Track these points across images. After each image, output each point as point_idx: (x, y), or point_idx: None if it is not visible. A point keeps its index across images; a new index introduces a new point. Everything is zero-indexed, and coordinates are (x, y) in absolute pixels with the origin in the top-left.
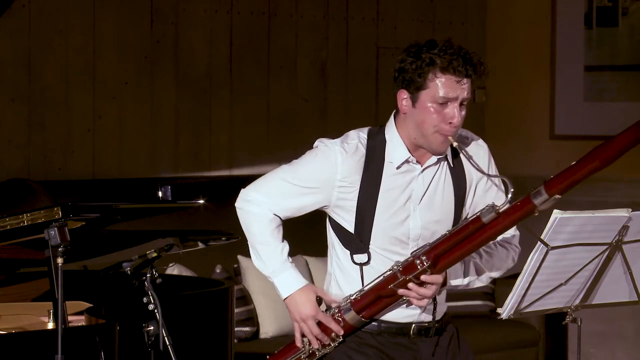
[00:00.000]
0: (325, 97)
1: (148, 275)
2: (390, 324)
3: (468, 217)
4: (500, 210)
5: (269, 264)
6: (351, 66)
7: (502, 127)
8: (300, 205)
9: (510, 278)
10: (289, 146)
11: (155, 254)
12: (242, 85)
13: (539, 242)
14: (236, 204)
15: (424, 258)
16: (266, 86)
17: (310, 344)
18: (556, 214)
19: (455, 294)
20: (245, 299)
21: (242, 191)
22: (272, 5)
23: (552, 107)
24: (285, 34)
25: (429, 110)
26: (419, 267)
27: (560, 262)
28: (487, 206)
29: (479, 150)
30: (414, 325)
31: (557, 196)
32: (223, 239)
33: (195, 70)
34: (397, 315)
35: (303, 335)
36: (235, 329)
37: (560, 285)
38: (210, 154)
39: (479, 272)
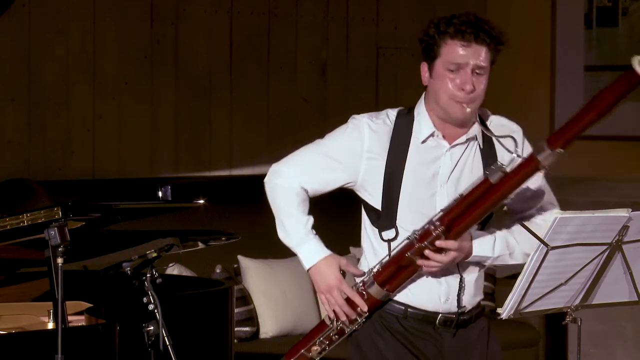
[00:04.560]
0: (325, 97)
1: (148, 275)
2: (417, 311)
3: (512, 204)
4: (507, 169)
5: (293, 235)
6: (351, 66)
7: None
8: (327, 178)
9: (510, 278)
10: (289, 146)
11: (155, 254)
12: (242, 85)
13: (539, 242)
14: (265, 180)
15: (437, 223)
16: (266, 86)
17: (337, 320)
18: (556, 214)
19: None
20: (245, 299)
21: (273, 166)
22: (272, 5)
23: (552, 107)
24: (285, 34)
25: (443, 78)
26: (433, 232)
27: (560, 262)
28: (493, 165)
29: (511, 134)
30: (440, 315)
31: (560, 150)
32: (223, 239)
33: (195, 70)
34: (424, 303)
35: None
36: (235, 329)
37: (560, 285)
38: (210, 154)
39: (510, 247)
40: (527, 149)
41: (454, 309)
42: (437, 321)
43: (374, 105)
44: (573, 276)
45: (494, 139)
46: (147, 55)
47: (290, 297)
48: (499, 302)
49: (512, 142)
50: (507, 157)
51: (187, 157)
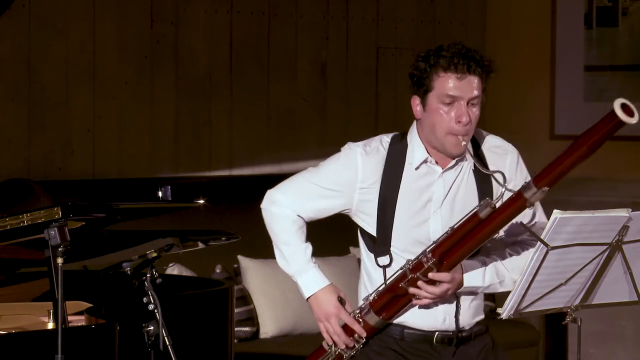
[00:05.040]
0: (325, 97)
1: (148, 275)
2: (414, 331)
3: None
4: (496, 205)
5: (293, 263)
6: (351, 66)
7: (502, 127)
8: (322, 207)
9: None
10: (289, 146)
11: (155, 254)
12: (242, 85)
13: (539, 242)
14: (261, 205)
15: (429, 255)
16: (266, 86)
17: (336, 346)
18: (556, 214)
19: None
20: (245, 299)
21: (268, 192)
22: (272, 5)
23: (552, 107)
24: (285, 34)
25: (438, 112)
26: (425, 264)
27: (560, 262)
28: (483, 201)
29: (505, 155)
30: (437, 333)
31: (545, 188)
32: (223, 239)
33: (195, 70)
34: (421, 322)
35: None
36: (235, 329)
37: (560, 285)
38: (210, 154)
39: (500, 275)
40: (521, 171)
41: (452, 327)
42: (435, 339)
43: (374, 105)
44: (573, 276)
45: (486, 157)
46: (147, 55)
47: (290, 297)
48: (499, 302)
49: (506, 167)
50: (500, 178)
51: (187, 157)
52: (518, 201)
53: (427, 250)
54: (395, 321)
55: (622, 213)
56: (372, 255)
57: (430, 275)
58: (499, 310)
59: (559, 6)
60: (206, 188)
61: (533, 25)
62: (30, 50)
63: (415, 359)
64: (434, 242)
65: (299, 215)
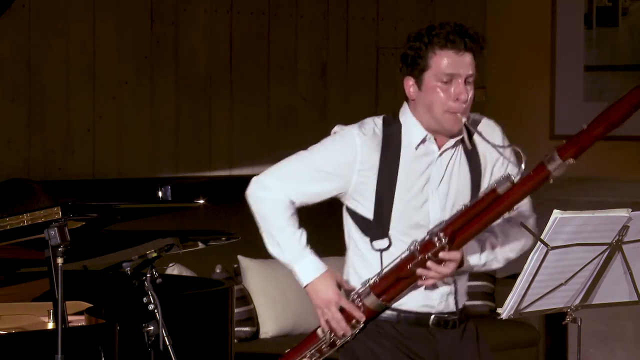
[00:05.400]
0: (325, 97)
1: (148, 275)
2: (409, 314)
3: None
4: (515, 180)
5: (288, 251)
6: (351, 66)
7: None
8: (317, 190)
9: (510, 278)
10: (289, 146)
11: (155, 254)
12: (242, 85)
13: (539, 242)
14: (248, 192)
15: (441, 235)
16: (266, 86)
17: (331, 333)
18: (556, 214)
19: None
20: (245, 299)
21: (255, 179)
22: (272, 5)
23: (552, 107)
24: (285, 34)
25: (435, 90)
26: (436, 244)
27: (560, 262)
28: (501, 177)
29: (493, 131)
30: (433, 315)
31: (571, 161)
32: (223, 239)
33: (195, 70)
34: (416, 304)
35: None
36: (235, 329)
37: (560, 285)
38: (210, 154)
39: (495, 252)
40: (509, 143)
41: (447, 309)
42: (430, 322)
43: (374, 105)
44: (573, 276)
45: (476, 139)
46: (147, 55)
47: (290, 297)
48: (499, 302)
49: (495, 140)
50: (489, 156)
51: (187, 157)
52: (540, 174)
53: (437, 229)
54: (391, 306)
55: (622, 213)
56: (367, 239)
57: (442, 254)
58: (499, 310)
59: (559, 6)
60: (206, 188)
61: (533, 25)
62: (30, 50)
63: (411, 343)
64: (442, 222)
65: (291, 200)
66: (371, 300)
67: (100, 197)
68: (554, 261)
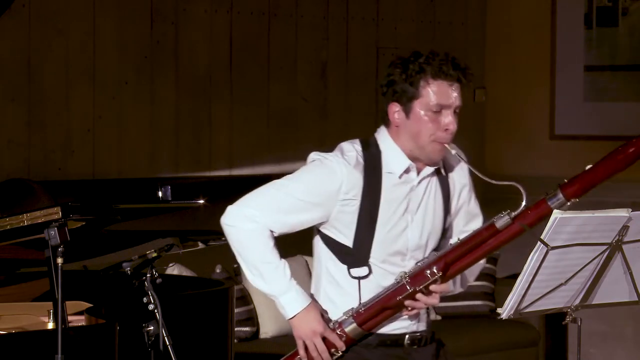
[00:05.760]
0: (325, 97)
1: (148, 275)
2: (385, 337)
3: (453, 226)
4: (514, 216)
5: (273, 284)
6: (351, 66)
7: (502, 127)
8: (300, 220)
9: (510, 278)
10: (289, 146)
11: (155, 254)
12: (242, 85)
13: (539, 242)
14: (225, 222)
15: (434, 268)
16: (266, 86)
17: None
18: (556, 214)
19: (455, 294)
20: (245, 299)
21: (232, 208)
22: (272, 5)
23: (552, 107)
24: (285, 34)
25: (424, 120)
26: (429, 277)
27: (560, 262)
28: (502, 213)
29: (462, 155)
30: (407, 335)
31: (575, 200)
32: (223, 239)
33: (195, 70)
34: (391, 327)
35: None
36: (235, 329)
37: (560, 285)
38: (210, 154)
39: (462, 279)
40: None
41: (419, 328)
42: (405, 342)
43: (374, 105)
44: (573, 276)
45: (447, 165)
46: (147, 55)
47: None
48: (499, 302)
49: (465, 166)
50: (457, 181)
51: (187, 157)
52: (543, 211)
53: (429, 262)
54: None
55: (622, 213)
56: (343, 267)
57: (433, 287)
58: (499, 310)
59: (559, 6)
60: (206, 188)
61: (533, 25)
62: (30, 50)
63: None
64: (433, 253)
65: (271, 231)
66: (352, 329)
67: (100, 197)
68: (554, 261)
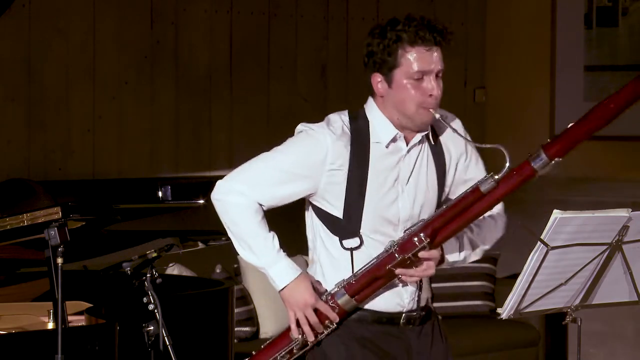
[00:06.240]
0: (325, 97)
1: (148, 275)
2: (381, 314)
3: (449, 195)
4: (499, 178)
5: (262, 256)
6: (351, 66)
7: (502, 127)
8: (288, 192)
9: (510, 278)
10: None
11: (155, 254)
12: (242, 85)
13: (539, 242)
14: (214, 196)
15: (422, 235)
16: (266, 86)
17: (304, 334)
18: (556, 214)
19: (455, 294)
20: (245, 299)
21: (220, 183)
22: (272, 5)
23: (552, 107)
24: (285, 34)
25: (406, 88)
26: (417, 244)
27: (560, 262)
28: (485, 176)
29: (457, 125)
30: (403, 314)
31: (558, 159)
32: (223, 239)
33: (195, 70)
34: (388, 304)
35: (297, 325)
36: (235, 329)
37: (560, 285)
38: (210, 154)
39: (473, 246)
40: (467, 134)
41: (415, 306)
42: (401, 321)
43: None
44: (573, 276)
45: (440, 135)
46: (147, 55)
47: None
48: (499, 302)
49: (461, 133)
50: (453, 150)
51: (187, 157)
52: (526, 172)
53: (417, 229)
54: (363, 307)
55: (622, 213)
56: (335, 239)
57: (421, 254)
58: (499, 310)
59: (559, 6)
60: (206, 188)
61: (533, 25)
62: (30, 50)
63: (383, 343)
64: (421, 221)
65: (259, 204)
66: (345, 301)
67: (100, 197)
68: (554, 261)
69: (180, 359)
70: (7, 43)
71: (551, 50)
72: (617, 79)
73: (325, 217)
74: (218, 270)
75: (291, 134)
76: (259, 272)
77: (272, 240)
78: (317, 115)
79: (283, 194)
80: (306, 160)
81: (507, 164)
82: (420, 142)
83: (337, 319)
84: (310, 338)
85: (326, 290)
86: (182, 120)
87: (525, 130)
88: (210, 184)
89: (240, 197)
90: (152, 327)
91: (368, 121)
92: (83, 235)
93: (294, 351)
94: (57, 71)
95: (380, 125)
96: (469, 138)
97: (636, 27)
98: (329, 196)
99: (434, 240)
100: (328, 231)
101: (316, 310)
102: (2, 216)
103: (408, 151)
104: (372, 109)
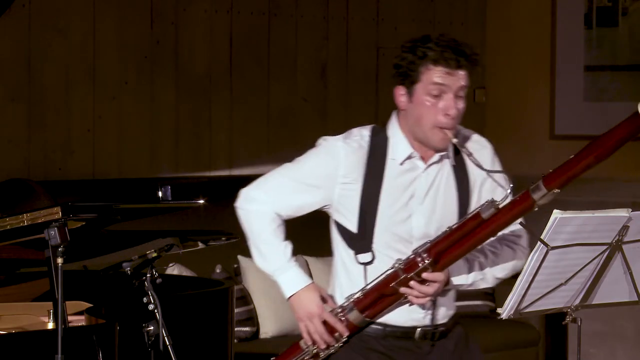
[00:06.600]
0: (325, 97)
1: (148, 275)
2: (395, 328)
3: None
4: (500, 206)
5: (272, 262)
6: (351, 66)
7: (502, 127)
8: (301, 203)
9: (510, 278)
10: (289, 146)
11: (155, 254)
12: (242, 85)
13: (539, 242)
14: (236, 204)
15: (424, 255)
16: (266, 86)
17: (314, 344)
18: (556, 214)
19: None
20: (245, 299)
21: (243, 191)
22: (272, 5)
23: (552, 107)
24: (285, 34)
25: (425, 104)
26: (419, 264)
27: (560, 262)
28: (486, 202)
29: (482, 150)
30: (418, 329)
31: (556, 190)
32: (223, 239)
33: (195, 70)
34: (402, 319)
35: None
36: (235, 329)
37: (560, 285)
38: (210, 154)
39: (484, 272)
40: (498, 165)
41: (432, 322)
42: (416, 335)
43: (374, 105)
44: (573, 276)
45: (464, 155)
46: (147, 55)
47: None
48: (499, 302)
49: (484, 159)
50: (478, 173)
51: (187, 157)
52: (525, 202)
53: (421, 249)
54: (377, 320)
55: (622, 213)
56: (351, 252)
57: (425, 275)
58: (499, 310)
59: (559, 6)
60: (206, 188)
61: (533, 25)
62: (30, 50)
63: (398, 356)
64: (427, 241)
65: (277, 213)
66: (355, 316)
67: (100, 197)
68: (554, 261)
69: (180, 359)
70: (7, 43)
71: (551, 50)
72: (617, 79)
73: (342, 231)
74: (218, 270)
75: (291, 133)
76: (259, 272)
77: (284, 249)
78: (317, 115)
79: (298, 204)
80: (319, 171)
81: (508, 191)
82: (440, 161)
83: (346, 333)
84: (322, 346)
85: (343, 303)
86: (182, 120)
87: (525, 130)
88: (210, 184)
89: (259, 205)
90: (152, 327)
91: (387, 137)
92: (83, 235)
93: None
94: (57, 71)
95: (397, 142)
96: (487, 162)
97: (636, 27)
98: (343, 209)
99: (438, 263)
100: (345, 245)
101: (326, 323)
102: (2, 216)
103: (425, 169)
104: (392, 124)
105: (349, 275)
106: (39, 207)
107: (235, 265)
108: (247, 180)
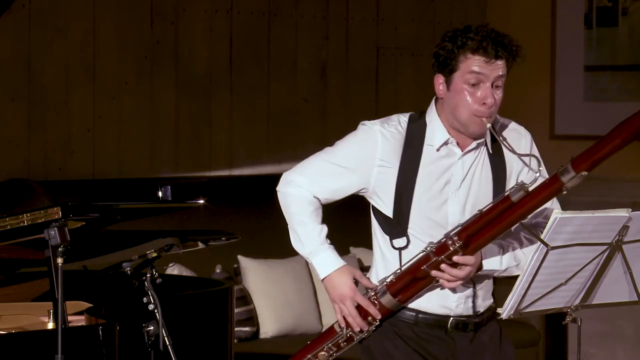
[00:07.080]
0: (325, 97)
1: (148, 275)
2: (428, 316)
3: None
4: (529, 189)
5: (307, 244)
6: (351, 66)
7: None
8: (338, 186)
9: (510, 278)
10: (289, 146)
11: (155, 254)
12: (242, 85)
13: (539, 242)
14: (278, 187)
15: (455, 238)
16: (266, 86)
17: (348, 328)
18: (556, 214)
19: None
20: (245, 299)
21: (284, 174)
22: (272, 5)
23: (552, 107)
24: (285, 34)
25: (463, 93)
26: (450, 247)
27: (560, 262)
28: (515, 185)
29: (520, 139)
30: (452, 318)
31: (584, 173)
32: (223, 239)
33: (195, 70)
34: (434, 306)
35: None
36: (235, 329)
37: (560, 285)
38: (210, 154)
39: (517, 259)
40: (535, 154)
41: (466, 312)
42: (449, 325)
43: (374, 105)
44: (573, 276)
45: (501, 143)
46: (147, 55)
47: (290, 297)
48: (499, 302)
49: (521, 148)
50: (515, 162)
51: (187, 157)
52: (554, 185)
53: (452, 233)
54: (409, 306)
55: (622, 213)
56: (387, 237)
57: (455, 258)
58: (499, 310)
59: (559, 6)
60: (206, 188)
61: (533, 26)
62: (30, 50)
63: (429, 344)
64: (459, 225)
65: (315, 197)
66: (387, 299)
67: (100, 197)
68: (554, 261)
69: (180, 359)
70: (7, 43)
71: (551, 50)
72: (617, 79)
73: (379, 216)
74: (218, 270)
75: (291, 133)
76: (259, 272)
77: (319, 231)
78: (317, 115)
79: (335, 187)
80: (356, 154)
81: (537, 175)
82: (477, 148)
83: (379, 316)
84: (355, 329)
85: (376, 287)
86: (182, 120)
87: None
88: (210, 184)
89: (297, 189)
90: (152, 327)
91: (425, 124)
92: (83, 235)
93: (341, 344)
94: (57, 71)
95: (435, 128)
96: (524, 151)
97: (636, 27)
98: (380, 193)
99: (469, 246)
100: (382, 230)
101: (359, 306)
102: (2, 216)
103: (462, 156)
104: (431, 111)
105: (385, 261)
106: (39, 207)
107: (235, 265)
108: (247, 180)
